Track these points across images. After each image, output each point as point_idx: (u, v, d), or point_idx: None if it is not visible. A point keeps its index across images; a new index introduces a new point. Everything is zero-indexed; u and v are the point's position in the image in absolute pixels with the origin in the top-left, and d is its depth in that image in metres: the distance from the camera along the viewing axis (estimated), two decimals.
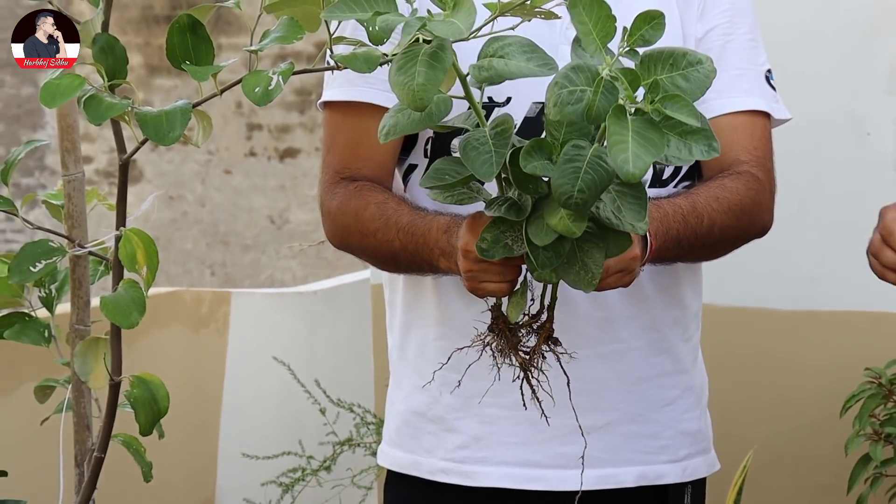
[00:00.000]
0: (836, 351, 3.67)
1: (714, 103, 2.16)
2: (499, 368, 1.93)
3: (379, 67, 1.71)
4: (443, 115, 1.76)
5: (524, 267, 1.89)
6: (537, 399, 1.92)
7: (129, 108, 1.67)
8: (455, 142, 1.81)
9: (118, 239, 1.74)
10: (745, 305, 3.75)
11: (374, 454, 3.95)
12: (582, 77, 1.67)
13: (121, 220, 1.76)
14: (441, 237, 2.04)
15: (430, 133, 2.18)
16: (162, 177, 10.21)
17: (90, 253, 1.87)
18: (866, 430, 3.39)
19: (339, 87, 2.22)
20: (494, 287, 1.92)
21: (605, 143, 1.69)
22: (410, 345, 2.27)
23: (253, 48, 1.69)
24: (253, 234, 10.13)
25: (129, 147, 1.75)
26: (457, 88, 1.79)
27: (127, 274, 1.75)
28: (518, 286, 1.93)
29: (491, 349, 1.92)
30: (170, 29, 1.69)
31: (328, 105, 2.24)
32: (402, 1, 1.73)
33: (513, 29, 1.77)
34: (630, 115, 1.65)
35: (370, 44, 1.71)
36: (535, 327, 1.92)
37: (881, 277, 2.07)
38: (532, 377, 1.91)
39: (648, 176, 2.14)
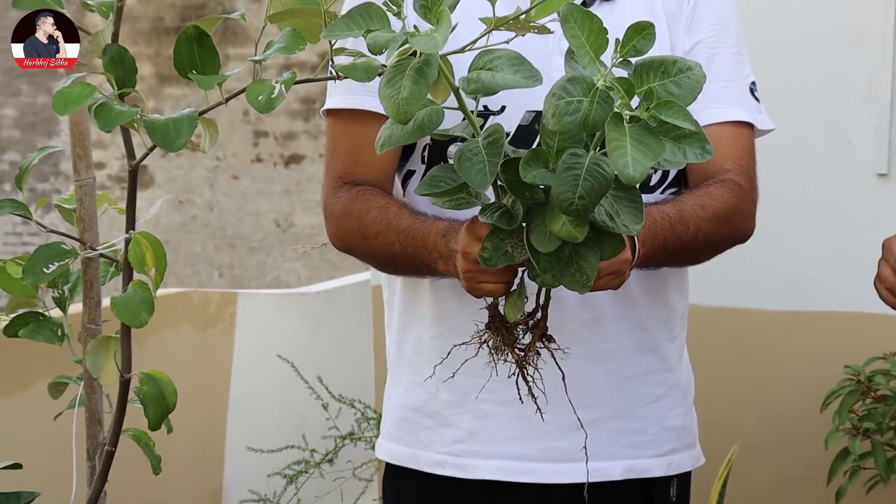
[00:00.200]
0: (817, 349, 3.69)
1: (700, 114, 2.14)
2: (495, 365, 1.95)
3: (378, 77, 1.73)
4: (434, 125, 1.77)
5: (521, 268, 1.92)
6: (532, 395, 1.94)
7: (138, 116, 1.68)
8: (451, 149, 1.83)
9: (128, 242, 1.76)
10: (731, 306, 3.77)
11: (374, 448, 3.99)
12: (578, 88, 1.69)
13: (130, 223, 1.77)
14: (440, 241, 2.06)
15: (427, 140, 2.20)
16: (172, 182, 10.20)
17: (101, 255, 1.88)
18: (845, 425, 3.43)
19: (341, 95, 2.24)
20: (492, 287, 1.94)
21: (600, 151, 1.71)
22: (408, 343, 2.30)
23: (257, 58, 1.71)
24: (259, 236, 10.11)
25: (139, 153, 1.77)
26: (453, 99, 1.81)
27: (136, 275, 1.77)
28: (515, 287, 1.94)
29: (488, 346, 1.93)
30: (177, 40, 1.71)
31: (331, 113, 2.27)
32: (397, 17, 1.75)
33: (507, 43, 1.79)
34: (626, 122, 1.67)
35: (370, 54, 1.73)
36: (530, 325, 1.93)
37: (893, 307, 2.10)
38: (527, 374, 1.93)
39: None
